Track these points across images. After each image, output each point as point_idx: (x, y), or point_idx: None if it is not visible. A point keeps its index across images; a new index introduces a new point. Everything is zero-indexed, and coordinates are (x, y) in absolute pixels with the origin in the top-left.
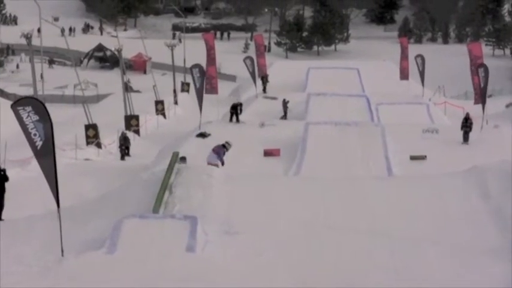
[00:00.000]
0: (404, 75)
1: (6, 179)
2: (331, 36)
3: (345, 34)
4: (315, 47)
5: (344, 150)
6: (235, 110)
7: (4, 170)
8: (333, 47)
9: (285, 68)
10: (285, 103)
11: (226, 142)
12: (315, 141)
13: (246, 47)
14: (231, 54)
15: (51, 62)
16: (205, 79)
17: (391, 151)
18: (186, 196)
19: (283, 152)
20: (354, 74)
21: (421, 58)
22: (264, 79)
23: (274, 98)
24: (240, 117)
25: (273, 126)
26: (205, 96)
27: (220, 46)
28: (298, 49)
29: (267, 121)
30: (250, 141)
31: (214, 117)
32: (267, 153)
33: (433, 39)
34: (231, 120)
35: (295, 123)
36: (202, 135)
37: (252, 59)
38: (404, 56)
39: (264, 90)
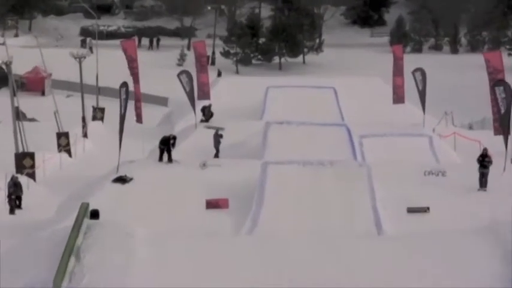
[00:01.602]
0: (398, 96)
1: None
2: (297, 44)
3: (317, 41)
4: (276, 59)
5: (316, 199)
6: (167, 145)
7: None
8: (300, 58)
9: (234, 87)
10: (217, 136)
11: (217, 129)
12: (276, 187)
13: (182, 58)
14: (161, 69)
15: None
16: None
17: (381, 201)
18: (99, 263)
19: (232, 203)
20: (329, 95)
21: (421, 73)
22: (206, 111)
23: (220, 129)
24: (173, 154)
25: (218, 167)
26: (127, 128)
27: (146, 57)
28: (253, 61)
29: (210, 160)
30: (187, 188)
31: (137, 154)
32: (211, 204)
33: (437, 48)
34: (160, 159)
35: (249, 163)
36: (122, 180)
37: (189, 75)
38: (398, 70)
39: (206, 120)
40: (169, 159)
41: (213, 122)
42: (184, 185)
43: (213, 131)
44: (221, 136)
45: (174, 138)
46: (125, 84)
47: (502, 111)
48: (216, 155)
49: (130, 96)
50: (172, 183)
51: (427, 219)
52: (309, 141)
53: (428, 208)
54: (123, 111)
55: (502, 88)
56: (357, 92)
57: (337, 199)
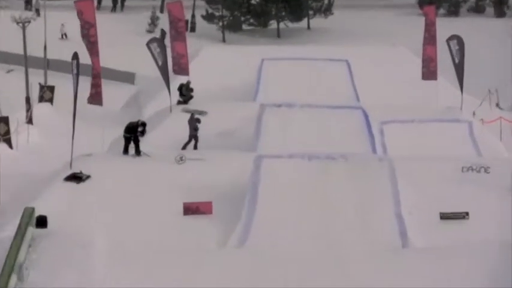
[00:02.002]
0: (429, 71)
1: None
2: (300, 4)
3: (325, 0)
4: (274, 23)
5: (324, 203)
6: (134, 133)
7: None
8: (304, 22)
9: (220, 60)
10: (193, 121)
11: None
12: (272, 187)
13: (153, 23)
14: (127, 36)
15: None
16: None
17: (407, 205)
18: (47, 283)
19: (217, 207)
20: (340, 70)
21: (457, 41)
22: (184, 88)
23: (201, 113)
24: (142, 145)
25: (199, 161)
26: (83, 112)
27: (108, 22)
28: (244, 26)
29: (189, 153)
30: (159, 189)
31: (96, 146)
32: (190, 209)
33: (478, 9)
34: (126, 151)
35: (238, 157)
36: (76, 178)
37: (162, 44)
38: (430, 37)
39: (185, 101)
40: (137, 152)
41: (193, 104)
42: (156, 185)
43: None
44: (198, 121)
45: (143, 124)
46: (75, 56)
47: None
48: (195, 146)
49: (88, 71)
50: (140, 183)
51: (466, 228)
52: (316, 129)
53: (467, 214)
54: (75, 90)
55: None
56: (377, 65)
57: (351, 203)
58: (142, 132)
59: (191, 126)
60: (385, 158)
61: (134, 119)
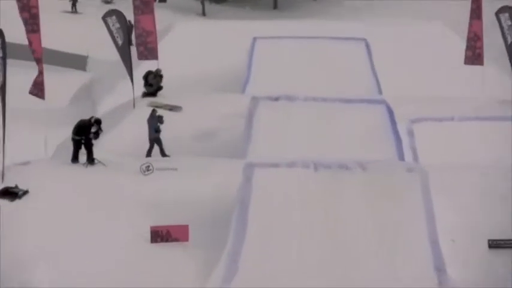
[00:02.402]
0: (474, 54)
1: None
2: None
3: None
4: None
5: (335, 226)
6: (85, 135)
7: None
8: None
9: (199, 39)
10: (153, 119)
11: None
12: (267, 206)
13: None
14: (78, 7)
15: None
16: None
17: (445, 228)
18: None
19: (195, 233)
20: (357, 53)
21: (510, 15)
22: (152, 77)
23: (174, 108)
24: (96, 151)
25: (171, 171)
26: (17, 107)
27: None
28: None
29: (157, 161)
30: (119, 208)
31: (36, 151)
32: (159, 235)
33: None
34: (75, 159)
35: (223, 166)
36: (9, 193)
37: (122, 18)
38: (475, 10)
39: (152, 93)
40: (90, 160)
41: (163, 96)
42: (115, 203)
43: (164, 112)
44: (160, 120)
45: (98, 122)
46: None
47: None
48: (161, 152)
49: (24, 55)
50: (94, 200)
51: None
52: (324, 130)
53: None
54: (1, 78)
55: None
56: (405, 46)
57: (371, 228)
58: (97, 134)
59: (151, 127)
60: (416, 168)
61: (86, 116)
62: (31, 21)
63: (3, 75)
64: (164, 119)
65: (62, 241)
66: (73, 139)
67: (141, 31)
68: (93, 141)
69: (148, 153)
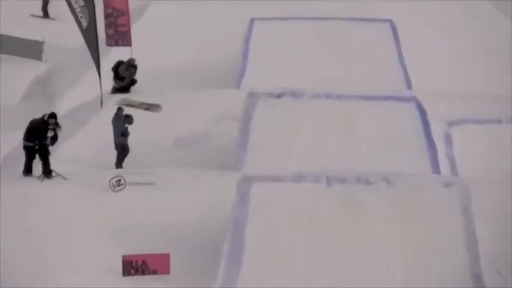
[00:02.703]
0: None
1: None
2: None
3: None
4: None
5: (354, 255)
6: (39, 140)
7: None
8: None
9: (181, 22)
10: (118, 119)
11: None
12: (267, 230)
13: None
14: None
15: None
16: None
17: (491, 255)
18: None
19: (178, 263)
20: (380, 38)
21: None
22: (124, 68)
23: (151, 107)
24: (54, 161)
25: (148, 186)
26: None
27: None
28: None
29: (130, 174)
30: (83, 232)
31: None
32: (133, 266)
33: None
34: (28, 170)
35: (212, 179)
36: None
37: None
38: None
39: (124, 88)
40: (46, 171)
41: (138, 93)
42: (78, 225)
43: (139, 112)
44: (129, 121)
45: (53, 117)
46: None
47: None
48: (119, 162)
49: None
50: (51, 221)
51: None
52: (339, 134)
53: None
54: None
55: None
56: (441, 30)
57: (398, 255)
58: (54, 138)
59: (116, 129)
60: (455, 182)
61: (38, 115)
62: None
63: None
64: (138, 120)
65: (7, 276)
66: (25, 146)
67: (111, 10)
68: (50, 148)
69: (119, 164)
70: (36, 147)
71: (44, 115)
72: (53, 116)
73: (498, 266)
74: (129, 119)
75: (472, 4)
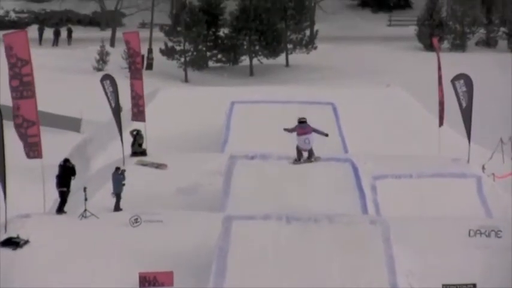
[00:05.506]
0: (440, 116)
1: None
2: (278, 37)
3: (307, 32)
4: (246, 59)
5: (306, 275)
6: (67, 185)
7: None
8: (282, 58)
9: (182, 103)
10: (117, 175)
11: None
12: (244, 254)
13: (102, 59)
14: (71, 74)
15: None
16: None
17: (404, 275)
18: None
19: (180, 278)
20: (325, 115)
21: (465, 82)
22: (139, 137)
23: (159, 166)
24: (91, 205)
25: (157, 223)
26: (15, 164)
27: (47, 58)
28: (211, 63)
29: (144, 214)
30: (109, 256)
31: (36, 205)
32: (147, 280)
33: (489, 43)
34: (61, 209)
35: (204, 218)
36: (13, 243)
37: (114, 83)
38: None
39: (142, 152)
40: (83, 212)
41: (150, 155)
42: (106, 251)
43: (149, 170)
44: (122, 175)
45: (67, 162)
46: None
47: None
48: (117, 206)
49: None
50: (88, 248)
51: None
52: (296, 185)
53: (474, 286)
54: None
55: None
56: (368, 110)
57: (338, 272)
58: (72, 171)
59: (117, 182)
60: (378, 220)
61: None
62: (25, 87)
63: (1, 137)
64: (149, 175)
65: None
66: (60, 190)
67: (135, 94)
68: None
69: (117, 207)
70: (68, 190)
71: (63, 162)
72: (66, 161)
73: (409, 279)
74: (122, 173)
75: (392, 91)
